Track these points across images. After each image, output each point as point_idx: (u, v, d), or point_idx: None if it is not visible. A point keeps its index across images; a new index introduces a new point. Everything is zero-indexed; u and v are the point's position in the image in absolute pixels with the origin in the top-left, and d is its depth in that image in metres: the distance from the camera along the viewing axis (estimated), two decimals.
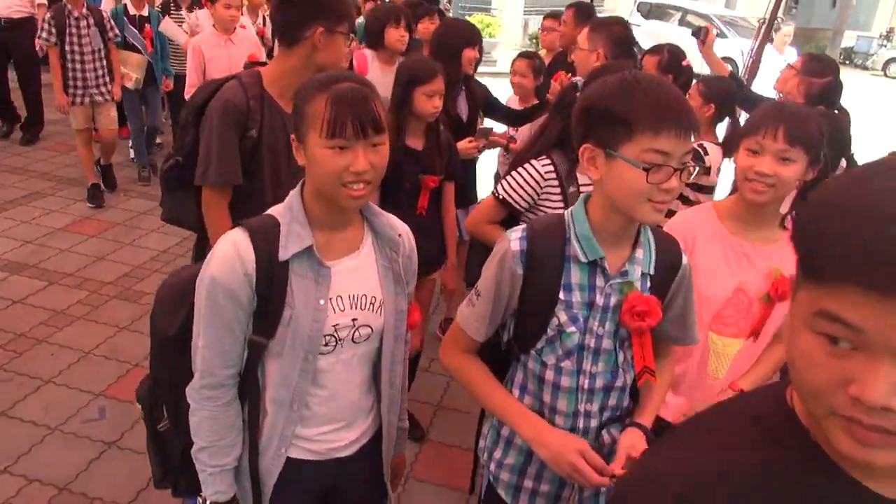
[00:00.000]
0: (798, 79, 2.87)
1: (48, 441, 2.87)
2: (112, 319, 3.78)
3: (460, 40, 3.29)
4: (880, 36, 22.77)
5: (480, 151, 3.48)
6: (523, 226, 1.46)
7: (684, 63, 3.18)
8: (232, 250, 1.36)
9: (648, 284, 1.43)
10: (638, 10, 18.32)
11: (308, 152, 1.35)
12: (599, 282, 1.40)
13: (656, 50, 3.24)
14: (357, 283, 1.46)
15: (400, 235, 1.54)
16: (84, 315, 3.81)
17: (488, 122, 3.76)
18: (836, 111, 2.86)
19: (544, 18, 4.87)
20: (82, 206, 5.26)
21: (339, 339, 1.44)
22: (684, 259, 1.49)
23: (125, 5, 5.55)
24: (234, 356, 1.41)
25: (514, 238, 1.43)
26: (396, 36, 3.57)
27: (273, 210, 1.45)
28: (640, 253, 1.42)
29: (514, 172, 2.24)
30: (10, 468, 2.71)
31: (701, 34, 3.63)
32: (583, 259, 1.39)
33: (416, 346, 1.58)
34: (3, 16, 6.19)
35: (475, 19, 17.46)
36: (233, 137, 2.05)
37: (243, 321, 1.39)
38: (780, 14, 5.10)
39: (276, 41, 3.63)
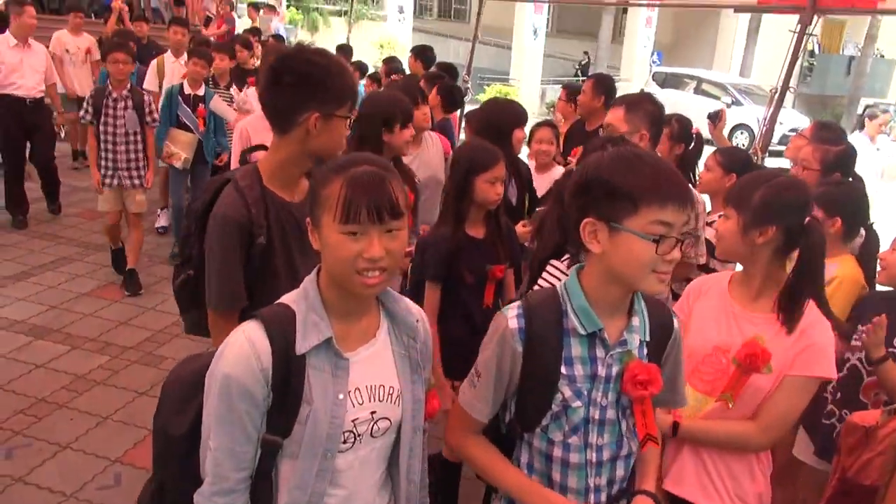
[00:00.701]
0: (812, 147, 2.90)
1: None
2: (132, 384, 3.80)
3: (511, 120, 3.14)
4: None
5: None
6: (517, 303, 1.45)
7: (694, 131, 3.24)
8: (247, 344, 1.28)
9: (645, 351, 1.44)
10: (653, 80, 18.73)
11: (322, 237, 1.30)
12: (600, 353, 1.40)
13: (665, 121, 3.31)
14: (374, 373, 1.39)
15: (417, 321, 1.47)
16: (104, 380, 3.83)
17: None
18: (850, 179, 2.86)
19: (563, 89, 5.04)
20: (108, 271, 5.36)
21: (358, 435, 1.36)
22: (675, 323, 1.52)
23: (181, 85, 5.51)
24: (247, 458, 1.31)
25: (511, 316, 1.42)
26: (420, 115, 3.36)
27: (286, 298, 1.37)
28: (636, 321, 1.43)
29: (546, 278, 2.14)
30: None
31: (716, 118, 3.72)
32: (582, 332, 1.38)
33: (437, 407, 1.47)
34: (29, 96, 6.13)
35: (493, 89, 17.94)
36: (234, 256, 1.85)
37: (257, 420, 1.30)
38: (794, 82, 5.18)
39: None
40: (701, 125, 3.35)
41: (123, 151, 4.91)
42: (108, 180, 4.91)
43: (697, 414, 1.82)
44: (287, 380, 1.29)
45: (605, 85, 4.51)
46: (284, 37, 10.65)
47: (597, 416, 1.42)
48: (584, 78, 19.77)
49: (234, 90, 5.88)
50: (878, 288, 2.44)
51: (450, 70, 6.11)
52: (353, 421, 1.34)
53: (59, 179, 6.66)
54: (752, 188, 1.76)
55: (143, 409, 3.56)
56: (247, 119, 4.34)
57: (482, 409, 1.47)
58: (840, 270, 2.37)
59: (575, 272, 1.44)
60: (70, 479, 3.02)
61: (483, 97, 18.12)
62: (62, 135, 7.24)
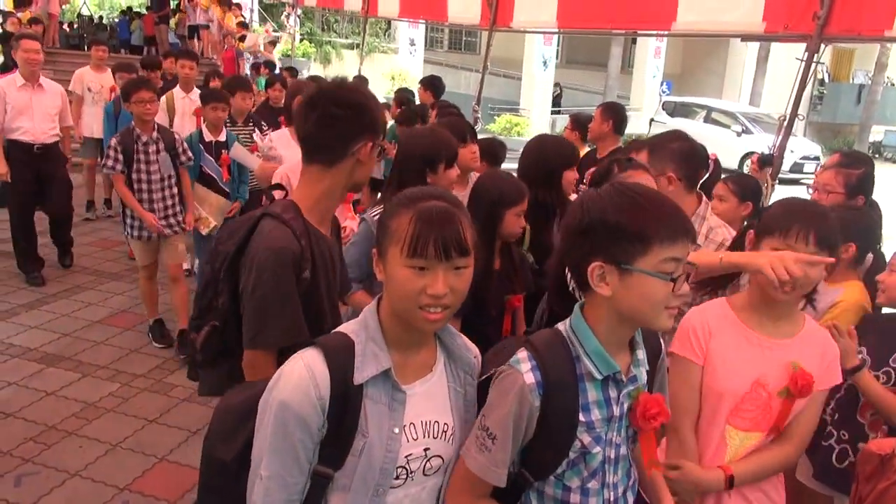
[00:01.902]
0: (834, 171, 2.89)
1: None
2: (141, 412, 3.79)
3: (561, 161, 2.87)
4: None
5: None
6: (525, 353, 1.36)
7: (711, 157, 3.23)
8: (305, 372, 1.26)
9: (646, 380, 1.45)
10: (663, 109, 18.84)
11: (387, 269, 1.28)
12: (613, 393, 1.37)
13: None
14: (430, 408, 1.35)
15: (475, 357, 1.45)
16: (114, 407, 3.83)
17: None
18: (868, 204, 2.85)
19: (570, 118, 5.13)
20: (120, 298, 5.40)
21: (411, 472, 1.33)
22: (663, 346, 1.53)
23: (200, 131, 4.80)
24: (298, 489, 1.29)
25: (526, 370, 1.33)
26: (468, 154, 3.16)
27: (344, 328, 1.35)
28: (640, 354, 1.41)
29: None
30: None
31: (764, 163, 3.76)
32: (598, 376, 1.34)
33: None
34: (38, 141, 5.42)
35: (504, 119, 18.12)
36: (294, 289, 1.77)
37: (311, 450, 1.28)
38: (804, 111, 5.20)
39: None
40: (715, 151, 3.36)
41: (160, 199, 4.40)
42: (144, 232, 4.38)
43: (740, 451, 1.80)
44: (343, 410, 1.26)
45: (613, 110, 4.59)
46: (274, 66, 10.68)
47: (612, 456, 1.40)
48: (558, 109, 19.74)
49: (256, 134, 5.22)
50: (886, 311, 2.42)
51: (406, 100, 6.20)
52: (406, 457, 1.31)
53: (73, 238, 6.05)
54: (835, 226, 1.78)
55: (152, 437, 3.55)
56: (286, 166, 3.65)
57: (499, 473, 1.35)
58: (845, 295, 2.36)
59: (579, 313, 1.38)
60: None
61: (493, 127, 18.27)
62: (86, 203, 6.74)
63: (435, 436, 1.35)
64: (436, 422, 1.35)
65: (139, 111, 4.29)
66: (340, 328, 1.35)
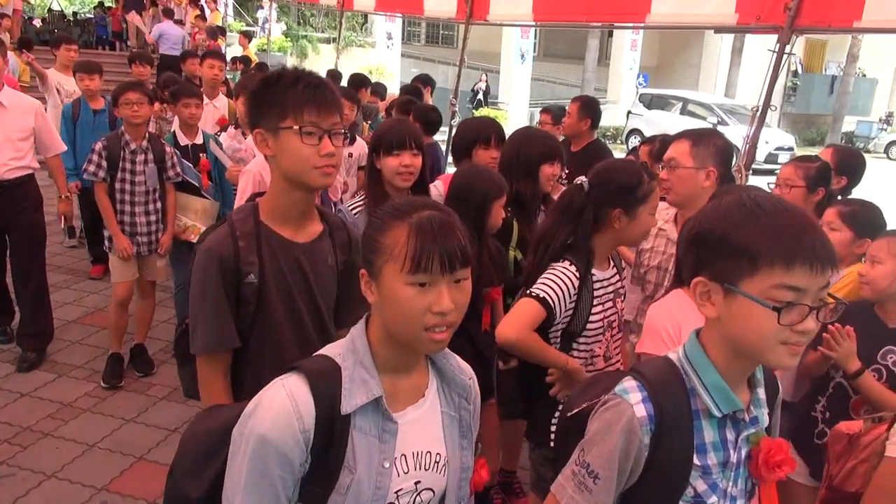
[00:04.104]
0: (793, 165, 2.93)
1: None
2: (119, 412, 3.75)
3: (538, 154, 2.83)
4: (880, 120, 23.31)
5: None
6: (634, 382, 1.20)
7: None
8: (288, 402, 1.13)
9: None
10: (640, 101, 18.98)
11: (383, 289, 1.16)
12: (730, 435, 1.20)
13: (649, 140, 3.36)
14: (422, 438, 1.25)
15: (470, 379, 1.34)
16: (91, 407, 3.79)
17: None
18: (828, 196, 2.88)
19: (541, 113, 5.14)
20: (96, 297, 5.32)
21: None
22: (779, 383, 1.38)
23: (174, 135, 4.35)
24: None
25: (636, 401, 1.16)
26: (487, 158, 3.03)
27: (329, 350, 1.24)
28: (761, 392, 1.24)
29: (549, 274, 2.10)
30: None
31: None
32: (717, 413, 1.17)
33: (485, 478, 1.41)
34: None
35: (483, 111, 18.10)
36: (220, 292, 1.67)
37: (290, 487, 1.16)
38: (777, 102, 5.26)
39: None
40: None
41: (143, 213, 4.00)
42: None
43: None
44: (329, 443, 1.15)
45: (589, 108, 4.57)
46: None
47: None
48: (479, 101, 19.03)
49: (225, 134, 4.45)
50: None
51: (414, 91, 6.24)
52: (396, 492, 1.21)
53: (50, 305, 4.49)
54: None
55: (129, 436, 3.52)
56: (256, 162, 3.36)
57: None
58: (850, 275, 2.45)
59: (695, 340, 1.22)
60: None
61: None
62: (62, 226, 5.02)
63: (426, 467, 1.25)
64: (428, 452, 1.25)
65: (127, 114, 3.89)
66: (324, 350, 1.24)
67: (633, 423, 1.15)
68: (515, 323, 2.06)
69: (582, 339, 2.20)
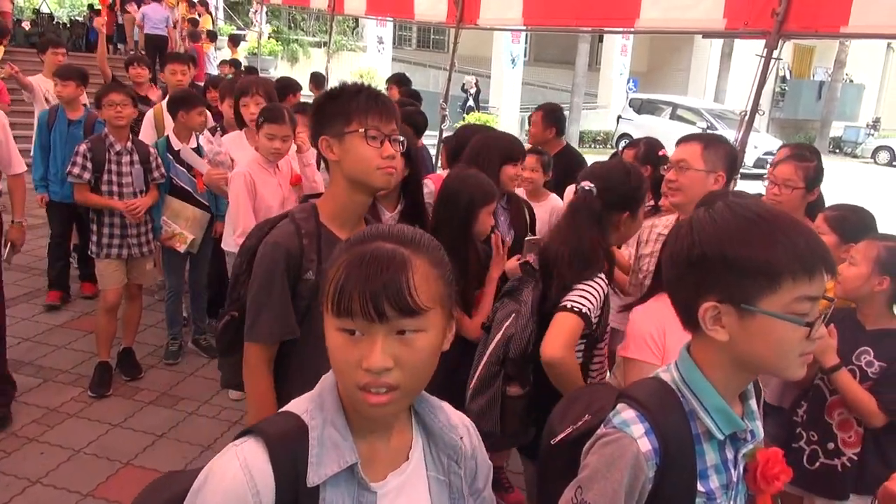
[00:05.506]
0: (794, 165, 2.91)
1: None
2: (105, 416, 3.72)
3: (498, 155, 2.85)
4: (867, 125, 23.54)
5: None
6: (633, 412, 1.13)
7: (661, 153, 3.28)
8: (242, 476, 0.95)
9: None
10: (630, 106, 19.10)
11: (326, 333, 0.99)
12: (730, 454, 1.16)
13: (633, 143, 3.37)
14: None
15: (462, 438, 1.14)
16: (77, 412, 3.75)
17: None
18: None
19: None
20: (82, 302, 5.28)
21: None
22: (763, 390, 1.36)
23: (167, 139, 4.28)
24: None
25: (639, 434, 1.10)
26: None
27: (294, 406, 1.05)
28: (753, 404, 1.20)
29: (584, 285, 2.08)
30: None
31: None
32: (720, 436, 1.12)
33: None
34: None
35: (472, 116, 18.12)
36: (286, 284, 1.75)
37: None
38: (766, 107, 5.30)
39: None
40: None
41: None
42: (114, 250, 3.92)
43: None
44: None
45: (553, 117, 4.45)
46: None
47: None
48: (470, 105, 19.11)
49: (202, 136, 4.17)
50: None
51: (414, 95, 6.23)
52: None
53: (14, 380, 3.85)
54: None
55: (115, 441, 3.48)
56: (243, 163, 3.42)
57: None
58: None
59: (688, 357, 1.16)
60: None
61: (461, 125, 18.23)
62: (5, 255, 3.89)
63: None
64: None
65: (109, 116, 3.84)
66: (290, 406, 1.05)
67: (639, 459, 1.09)
68: (559, 340, 2.00)
69: (601, 344, 2.30)
